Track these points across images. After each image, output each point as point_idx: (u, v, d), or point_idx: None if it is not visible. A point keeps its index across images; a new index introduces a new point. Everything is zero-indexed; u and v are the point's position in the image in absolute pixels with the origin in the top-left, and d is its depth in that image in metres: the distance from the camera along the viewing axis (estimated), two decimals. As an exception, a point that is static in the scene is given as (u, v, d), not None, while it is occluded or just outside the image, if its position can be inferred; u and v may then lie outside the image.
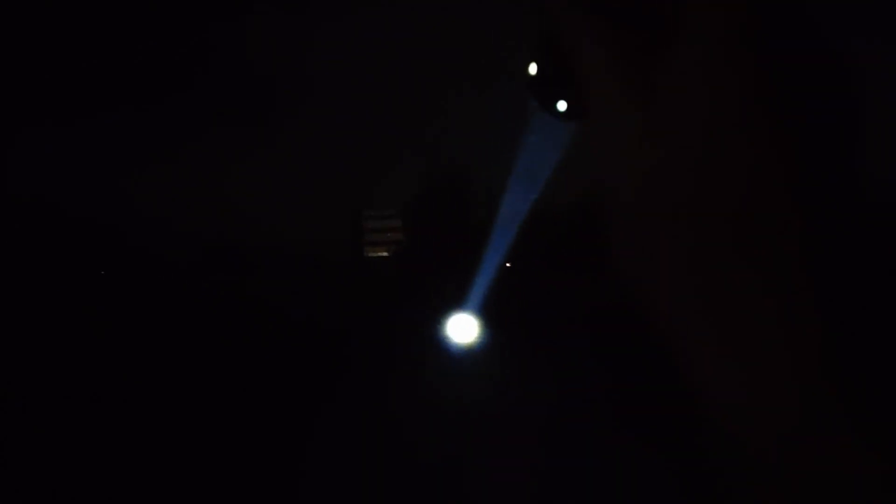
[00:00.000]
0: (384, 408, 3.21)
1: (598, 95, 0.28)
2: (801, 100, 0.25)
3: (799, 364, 0.24)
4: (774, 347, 0.24)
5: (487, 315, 4.30)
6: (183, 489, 2.64)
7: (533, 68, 0.31)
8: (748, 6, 0.25)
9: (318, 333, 3.98)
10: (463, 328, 4.22)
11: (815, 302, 0.24)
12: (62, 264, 3.55)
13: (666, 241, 0.26)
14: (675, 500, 2.22)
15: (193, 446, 2.94)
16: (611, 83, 0.27)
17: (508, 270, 4.65)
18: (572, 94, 0.30)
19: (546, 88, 0.31)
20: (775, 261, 0.24)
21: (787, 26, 0.26)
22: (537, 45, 0.31)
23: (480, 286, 4.24)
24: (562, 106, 0.31)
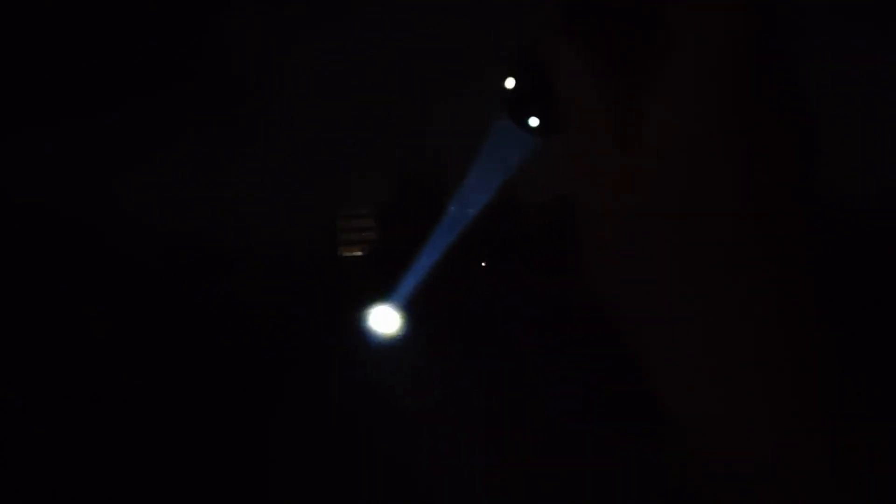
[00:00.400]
0: (362, 406, 3.22)
1: (575, 109, 0.27)
2: (787, 107, 0.25)
3: (774, 377, 0.23)
4: (749, 360, 0.24)
5: (429, 310, 4.30)
6: (139, 485, 2.62)
7: (510, 82, 0.30)
8: (729, 17, 0.25)
9: (292, 332, 3.97)
10: (389, 321, 4.22)
11: (793, 314, 0.23)
12: (38, 264, 3.49)
13: (639, 250, 0.26)
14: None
15: (157, 444, 2.92)
16: (589, 96, 0.27)
17: (482, 269, 4.66)
18: (546, 110, 0.29)
19: (520, 104, 0.31)
20: (755, 271, 0.24)
21: (772, 32, 0.25)
22: (515, 59, 0.30)
23: (433, 283, 4.26)
24: (534, 122, 0.30)
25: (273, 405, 3.33)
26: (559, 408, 3.01)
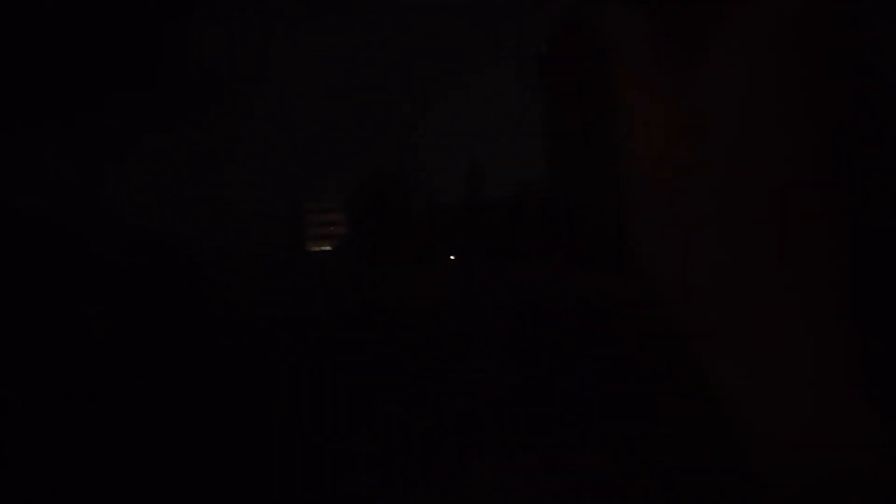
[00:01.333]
0: (326, 400, 3.20)
1: (618, 72, 0.26)
2: (844, 95, 0.24)
3: (820, 359, 0.23)
4: (794, 342, 0.24)
5: (430, 307, 4.31)
6: (117, 482, 2.59)
7: (544, 47, 0.29)
8: None
9: (259, 327, 3.94)
10: (404, 318, 4.23)
11: (842, 298, 0.23)
12: (9, 260, 3.42)
13: (686, 228, 0.25)
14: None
15: (130, 443, 2.88)
16: (635, 70, 0.26)
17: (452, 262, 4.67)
18: (583, 75, 0.28)
19: (555, 69, 0.29)
20: (804, 255, 0.24)
21: (832, 16, 0.24)
22: (554, 27, 0.29)
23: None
24: (566, 88, 0.29)
25: (241, 401, 3.30)
26: (535, 405, 3.02)
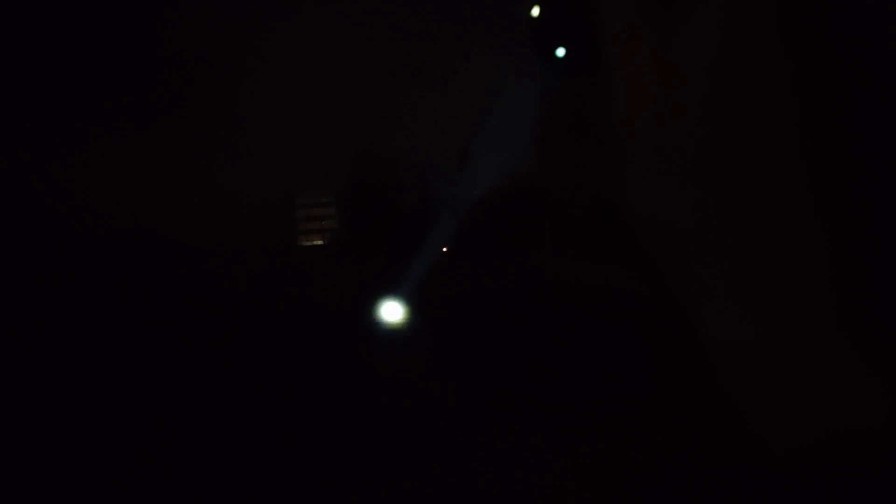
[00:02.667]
0: (320, 394, 3.19)
1: (609, 39, 0.26)
2: (820, 42, 0.24)
3: (811, 303, 0.23)
4: (785, 286, 0.23)
5: (420, 299, 4.30)
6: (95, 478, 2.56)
7: (535, 11, 0.29)
8: None
9: (252, 322, 3.92)
10: (393, 312, 4.22)
11: (828, 242, 0.23)
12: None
13: (676, 180, 0.25)
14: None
15: (110, 440, 2.85)
16: (624, 25, 0.26)
17: (446, 255, 4.66)
18: (575, 38, 0.28)
19: (546, 32, 0.29)
20: (788, 202, 0.23)
21: None
22: None
23: (415, 270, 4.24)
24: (560, 52, 0.30)
25: (230, 396, 3.28)
26: (538, 392, 3.01)
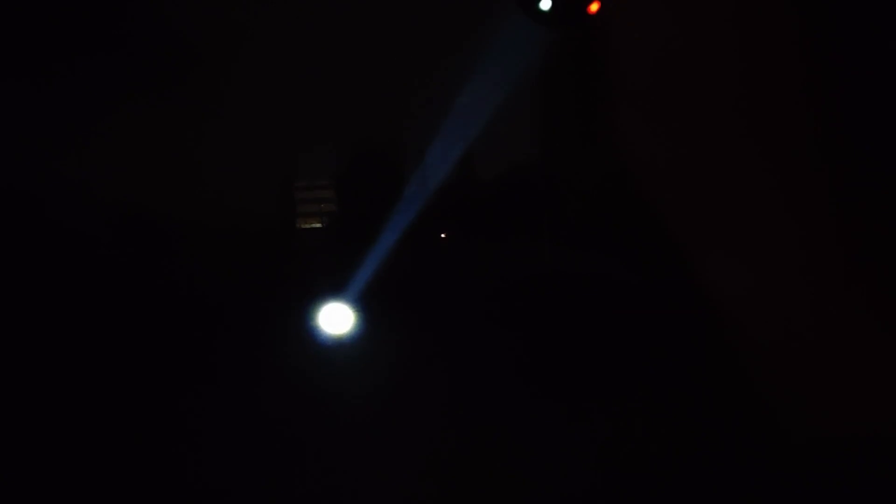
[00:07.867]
0: (318, 383, 3.17)
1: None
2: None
3: (809, 250, 0.21)
4: (783, 235, 0.21)
5: (418, 285, 4.28)
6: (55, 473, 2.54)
7: None
8: None
9: (247, 306, 3.89)
10: (388, 298, 4.18)
11: (827, 192, 0.21)
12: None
13: (675, 125, 0.23)
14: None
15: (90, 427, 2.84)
16: None
17: (444, 241, 4.62)
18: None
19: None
20: (787, 153, 0.22)
21: None
22: None
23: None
24: (545, 5, 0.27)
25: (227, 387, 3.26)
26: (527, 387, 3.00)
